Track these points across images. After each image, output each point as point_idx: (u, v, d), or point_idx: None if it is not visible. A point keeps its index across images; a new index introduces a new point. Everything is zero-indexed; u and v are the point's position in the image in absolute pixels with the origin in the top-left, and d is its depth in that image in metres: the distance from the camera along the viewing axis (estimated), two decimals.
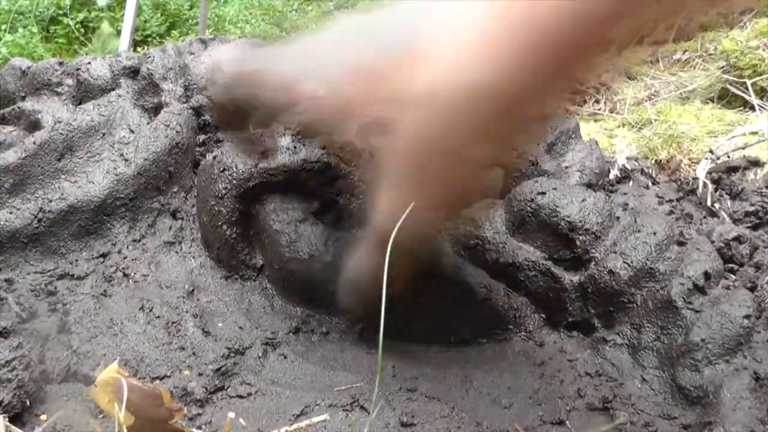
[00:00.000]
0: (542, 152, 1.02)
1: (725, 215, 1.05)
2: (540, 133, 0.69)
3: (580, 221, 0.78)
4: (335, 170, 0.88)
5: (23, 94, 1.10)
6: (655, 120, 1.50)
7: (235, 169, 0.85)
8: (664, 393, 0.68)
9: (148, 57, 1.07)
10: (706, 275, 0.73)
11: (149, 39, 2.95)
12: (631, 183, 1.22)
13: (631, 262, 0.76)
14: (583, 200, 0.80)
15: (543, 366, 0.72)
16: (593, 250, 0.78)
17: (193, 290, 0.84)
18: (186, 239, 0.91)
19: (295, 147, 0.87)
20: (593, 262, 0.78)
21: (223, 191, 0.85)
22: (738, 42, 1.67)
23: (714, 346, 0.67)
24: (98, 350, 0.73)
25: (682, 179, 1.20)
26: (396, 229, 0.76)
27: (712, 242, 0.89)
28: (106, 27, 2.76)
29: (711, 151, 1.24)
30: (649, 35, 0.62)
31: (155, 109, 1.03)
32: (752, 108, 1.48)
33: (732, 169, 1.20)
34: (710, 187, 1.12)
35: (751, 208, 1.03)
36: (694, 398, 0.65)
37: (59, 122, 0.95)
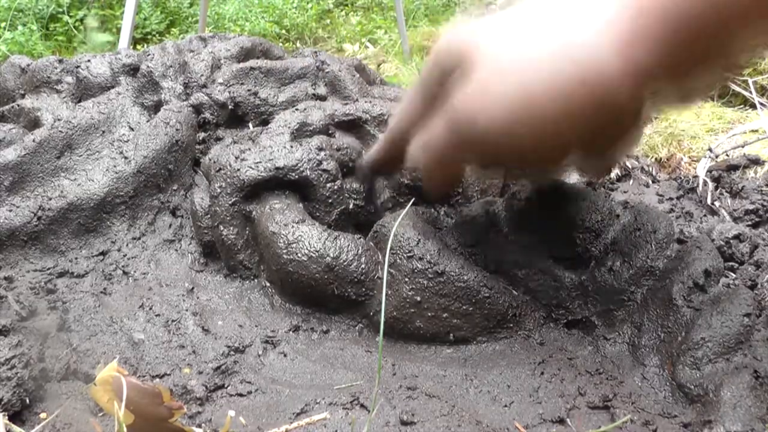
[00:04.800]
0: None
1: (725, 213, 1.05)
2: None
3: (581, 219, 0.78)
4: (333, 170, 0.88)
5: (23, 92, 1.10)
6: (655, 118, 1.50)
7: (230, 168, 0.85)
8: (665, 391, 0.68)
9: (148, 55, 1.07)
10: (707, 273, 0.73)
11: (149, 37, 2.94)
12: (631, 181, 1.22)
13: (632, 261, 0.76)
14: (584, 198, 0.80)
15: (543, 364, 0.72)
16: (593, 248, 0.78)
17: (192, 288, 0.84)
18: (186, 237, 0.91)
19: (291, 146, 0.87)
20: (593, 261, 0.78)
21: (219, 190, 0.85)
22: None
23: (714, 344, 0.67)
24: (98, 348, 0.73)
25: (683, 177, 1.20)
26: (394, 228, 0.76)
27: (713, 240, 0.89)
28: (91, 21, 2.75)
29: (710, 149, 1.24)
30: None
31: (155, 107, 1.03)
32: (752, 106, 1.48)
33: (732, 168, 1.20)
34: (710, 185, 1.12)
35: (752, 207, 1.03)
36: (695, 396, 0.65)
37: (59, 120, 0.95)
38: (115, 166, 0.92)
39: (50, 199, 0.88)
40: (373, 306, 0.77)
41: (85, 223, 0.89)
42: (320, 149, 0.87)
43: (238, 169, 0.85)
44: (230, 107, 1.03)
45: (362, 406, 0.65)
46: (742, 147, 1.26)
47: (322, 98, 1.06)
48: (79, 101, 1.05)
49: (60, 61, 1.09)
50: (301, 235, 0.78)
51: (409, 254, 0.75)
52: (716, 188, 1.12)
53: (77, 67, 1.07)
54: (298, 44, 2.95)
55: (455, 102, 0.64)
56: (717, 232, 0.92)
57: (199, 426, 0.63)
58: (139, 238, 0.90)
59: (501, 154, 0.66)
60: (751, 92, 1.50)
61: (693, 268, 0.74)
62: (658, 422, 0.63)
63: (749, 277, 0.84)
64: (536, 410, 0.66)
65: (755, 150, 1.26)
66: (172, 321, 0.78)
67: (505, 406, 0.67)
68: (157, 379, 0.69)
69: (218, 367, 0.71)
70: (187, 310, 0.80)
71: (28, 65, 1.10)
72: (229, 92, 1.03)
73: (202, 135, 1.02)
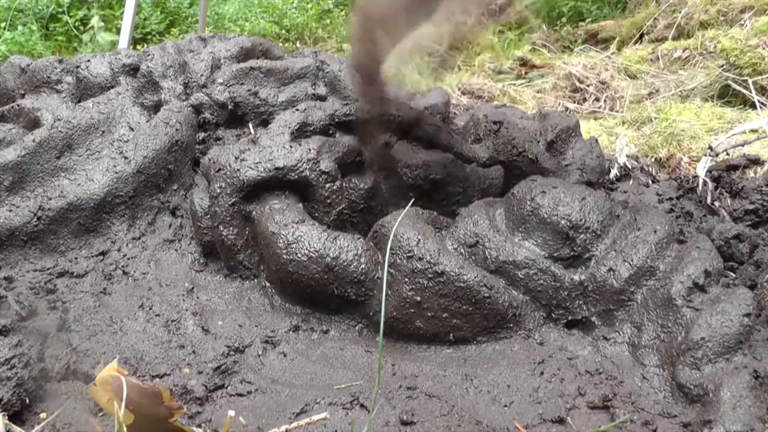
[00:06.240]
0: (542, 150, 1.02)
1: (725, 213, 1.05)
2: None
3: (581, 219, 0.78)
4: (332, 170, 0.88)
5: (23, 92, 1.10)
6: (655, 118, 1.50)
7: (230, 168, 0.85)
8: (665, 391, 0.68)
9: (148, 55, 1.07)
10: (706, 273, 0.73)
11: (149, 37, 2.94)
12: (631, 181, 1.22)
13: (632, 260, 0.76)
14: (584, 198, 0.80)
15: (543, 364, 0.72)
16: (593, 249, 0.78)
17: (192, 288, 0.84)
18: (186, 237, 0.91)
19: (291, 146, 0.87)
20: (593, 261, 0.78)
21: (218, 190, 0.85)
22: (738, 40, 1.67)
23: (714, 344, 0.67)
24: (98, 348, 0.73)
25: (682, 177, 1.20)
26: (394, 228, 0.76)
27: (712, 240, 0.89)
28: (96, 21, 2.75)
29: (710, 148, 1.24)
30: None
31: (155, 107, 1.03)
32: (752, 106, 1.48)
33: (732, 168, 1.20)
34: (710, 185, 1.12)
35: (751, 207, 1.03)
36: (694, 396, 0.65)
37: (59, 120, 0.95)
38: (115, 166, 0.92)
39: (50, 199, 0.88)
40: (373, 306, 0.77)
41: (85, 223, 0.89)
42: (320, 150, 0.87)
43: (238, 170, 0.85)
44: (230, 107, 1.03)
45: (362, 405, 0.65)
46: (742, 146, 1.26)
47: (322, 98, 1.06)
48: (79, 101, 1.05)
49: (60, 61, 1.09)
50: (300, 235, 0.78)
51: (408, 254, 0.75)
52: (716, 188, 1.12)
53: (77, 67, 1.07)
54: (298, 44, 2.95)
55: None
56: (717, 232, 0.92)
57: (199, 426, 0.63)
58: (139, 238, 0.90)
59: None
60: (750, 92, 1.50)
61: (693, 268, 0.74)
62: (657, 422, 0.63)
63: (749, 277, 0.84)
64: (536, 410, 0.66)
65: (755, 150, 1.26)
66: (172, 321, 0.78)
67: (505, 405, 0.66)
68: (157, 379, 0.69)
69: (218, 367, 0.71)
70: (187, 310, 0.80)
71: (28, 65, 1.10)
72: (229, 92, 1.03)
73: (201, 135, 1.02)
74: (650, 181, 1.21)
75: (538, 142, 1.03)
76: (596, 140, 1.12)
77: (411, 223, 0.78)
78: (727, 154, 1.25)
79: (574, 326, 0.77)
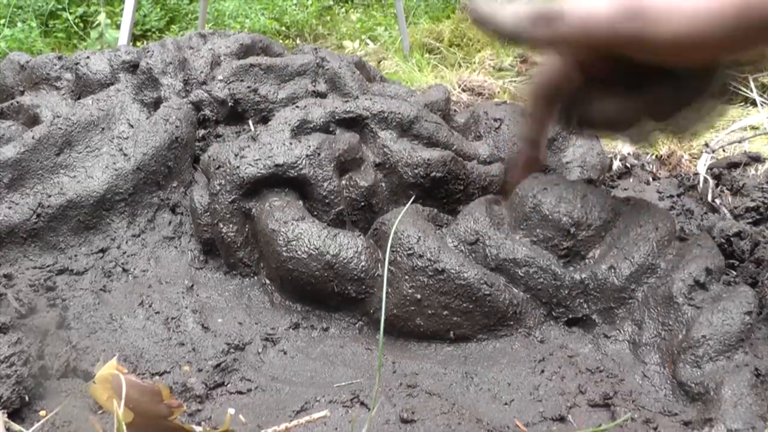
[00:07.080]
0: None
1: (726, 211, 1.05)
2: None
3: (582, 217, 0.78)
4: (331, 169, 0.87)
5: (22, 89, 1.09)
6: None
7: (229, 165, 0.85)
8: (665, 389, 0.67)
9: (148, 51, 1.07)
10: (707, 271, 0.73)
11: (148, 34, 2.94)
12: (631, 178, 1.22)
13: (633, 258, 0.76)
14: (585, 196, 0.80)
15: (544, 362, 0.72)
16: (595, 246, 0.78)
17: (192, 285, 0.84)
18: (185, 234, 0.91)
19: (291, 143, 0.87)
20: (594, 258, 0.78)
21: (218, 188, 0.85)
22: None
23: (715, 342, 0.67)
24: (97, 346, 0.73)
25: (683, 175, 1.20)
26: (395, 226, 0.76)
27: (713, 238, 0.89)
28: (103, 18, 2.76)
29: (707, 145, 1.24)
30: None
31: (154, 104, 1.02)
32: (753, 103, 1.48)
33: (733, 165, 1.20)
34: (711, 182, 1.12)
35: (752, 204, 1.03)
36: (695, 394, 0.65)
37: (58, 117, 0.95)
38: (114, 163, 0.92)
39: (50, 196, 0.88)
40: (374, 303, 0.77)
41: (84, 220, 0.89)
42: (319, 147, 0.87)
43: (238, 167, 0.85)
44: (230, 104, 1.02)
45: (362, 404, 0.65)
46: (740, 143, 1.26)
47: (322, 95, 1.06)
48: (79, 98, 1.05)
49: (59, 58, 1.09)
50: (300, 232, 0.78)
51: (409, 252, 0.75)
52: (717, 185, 1.12)
53: (76, 64, 1.07)
54: (298, 41, 2.94)
55: None
56: (718, 230, 0.92)
57: (199, 424, 0.63)
58: (139, 236, 0.90)
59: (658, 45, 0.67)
60: (751, 90, 1.50)
61: (694, 265, 0.73)
62: (658, 420, 0.63)
63: (750, 274, 0.84)
64: (537, 408, 0.65)
65: (756, 147, 1.26)
66: (172, 318, 0.78)
67: (506, 403, 0.66)
68: (157, 377, 0.69)
69: (218, 365, 0.71)
70: (186, 308, 0.79)
71: (28, 62, 1.10)
72: (229, 89, 1.03)
73: (201, 132, 1.02)
74: (651, 179, 1.21)
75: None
76: (597, 137, 1.12)
77: (411, 220, 0.78)
78: (724, 150, 1.25)
79: (574, 324, 0.77)
